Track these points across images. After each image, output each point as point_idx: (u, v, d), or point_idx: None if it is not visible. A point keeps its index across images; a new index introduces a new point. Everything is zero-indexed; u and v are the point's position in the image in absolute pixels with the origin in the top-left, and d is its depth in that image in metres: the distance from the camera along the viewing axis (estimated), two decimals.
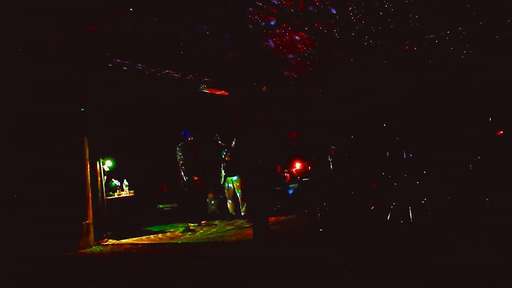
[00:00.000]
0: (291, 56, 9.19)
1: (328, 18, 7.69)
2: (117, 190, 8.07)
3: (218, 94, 9.36)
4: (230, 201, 9.10)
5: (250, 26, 7.89)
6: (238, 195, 8.91)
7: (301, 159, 10.08)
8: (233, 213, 9.06)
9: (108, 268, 5.09)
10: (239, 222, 8.42)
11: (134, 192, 8.28)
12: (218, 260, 4.98)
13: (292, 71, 9.95)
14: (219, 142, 9.09)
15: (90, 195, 6.73)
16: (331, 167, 8.15)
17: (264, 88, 9.45)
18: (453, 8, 7.09)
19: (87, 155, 6.76)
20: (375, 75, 8.96)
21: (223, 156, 9.09)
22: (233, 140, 8.91)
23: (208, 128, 9.83)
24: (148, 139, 10.19)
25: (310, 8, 7.08)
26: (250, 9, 7.16)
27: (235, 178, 8.89)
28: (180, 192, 8.79)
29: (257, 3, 6.18)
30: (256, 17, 7.91)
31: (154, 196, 10.00)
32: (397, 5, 7.33)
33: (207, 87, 8.86)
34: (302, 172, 9.86)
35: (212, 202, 9.85)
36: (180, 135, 8.69)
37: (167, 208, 9.92)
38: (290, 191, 9.61)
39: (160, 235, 7.60)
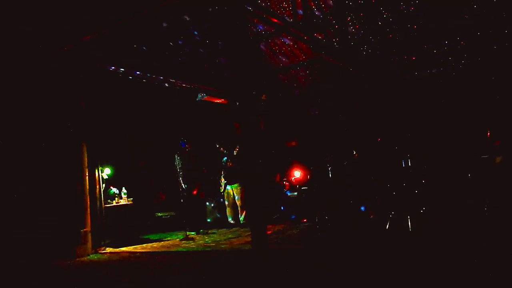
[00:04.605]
0: (290, 65, 9.26)
1: (327, 28, 7.76)
2: (116, 198, 8.04)
3: (217, 102, 9.38)
4: (229, 209, 9.07)
5: (250, 35, 7.96)
6: (237, 203, 8.89)
7: (300, 168, 10.07)
8: (232, 221, 9.03)
9: (105, 277, 5.06)
10: (238, 230, 8.39)
11: (132, 200, 8.25)
12: (217, 269, 4.96)
13: (291, 79, 10.00)
14: (221, 149, 9.08)
15: (88, 203, 6.71)
16: (330, 175, 8.15)
17: (263, 97, 9.49)
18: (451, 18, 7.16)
19: (86, 162, 6.76)
20: (373, 84, 9.01)
21: (223, 164, 9.08)
22: (235, 147, 8.90)
23: (208, 135, 9.84)
24: (147, 147, 10.18)
25: (309, 17, 7.14)
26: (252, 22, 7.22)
27: (235, 186, 8.88)
28: (179, 200, 8.76)
29: (256, 12, 6.23)
30: (256, 25, 7.99)
31: (153, 204, 9.97)
32: (396, 15, 7.40)
33: (206, 96, 8.88)
34: (301, 181, 9.85)
35: (211, 210, 9.81)
36: (178, 143, 8.69)
37: (165, 216, 9.87)
38: (288, 193, 9.61)
39: (158, 243, 7.57)
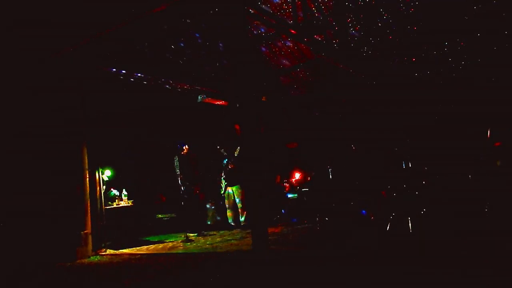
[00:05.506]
0: (290, 66, 9.27)
1: (327, 29, 7.77)
2: (116, 200, 8.05)
3: (217, 104, 9.40)
4: (229, 210, 9.07)
5: (250, 36, 7.96)
6: (238, 204, 8.88)
7: (301, 169, 10.07)
8: (233, 223, 9.02)
9: (106, 278, 5.06)
10: (239, 232, 8.38)
11: (133, 202, 8.25)
12: (217, 271, 4.96)
13: (292, 81, 10.01)
14: (221, 151, 9.08)
15: (88, 204, 6.71)
16: (331, 177, 8.15)
17: (263, 99, 9.51)
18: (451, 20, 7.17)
19: (86, 164, 6.76)
20: (373, 86, 9.01)
21: (224, 166, 9.07)
22: (236, 149, 8.90)
23: (209, 137, 9.84)
24: (148, 148, 10.18)
25: (309, 19, 7.15)
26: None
27: (235, 187, 8.88)
28: (180, 202, 8.76)
29: (256, 14, 6.24)
30: (256, 27, 8.00)
31: (153, 206, 9.97)
32: (396, 16, 7.41)
33: (206, 97, 8.89)
34: (302, 182, 9.84)
35: (212, 212, 9.81)
36: (176, 145, 8.70)
37: (166, 218, 9.86)
38: (289, 195, 9.62)
39: (159, 245, 7.56)
